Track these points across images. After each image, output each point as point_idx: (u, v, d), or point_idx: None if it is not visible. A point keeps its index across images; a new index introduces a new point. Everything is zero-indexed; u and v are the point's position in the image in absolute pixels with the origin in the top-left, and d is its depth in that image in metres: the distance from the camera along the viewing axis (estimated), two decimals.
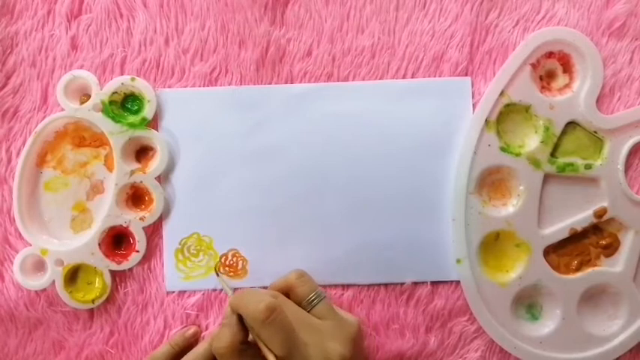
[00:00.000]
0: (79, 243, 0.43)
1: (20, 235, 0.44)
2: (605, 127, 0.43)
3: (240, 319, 0.37)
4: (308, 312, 0.38)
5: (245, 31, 0.44)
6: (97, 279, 0.44)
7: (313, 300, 0.39)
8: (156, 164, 0.44)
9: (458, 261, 0.43)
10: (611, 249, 0.44)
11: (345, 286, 0.44)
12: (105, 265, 0.43)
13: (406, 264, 0.44)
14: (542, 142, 0.43)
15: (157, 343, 0.44)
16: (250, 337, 0.37)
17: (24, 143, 0.44)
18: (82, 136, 0.44)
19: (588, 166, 0.43)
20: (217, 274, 0.43)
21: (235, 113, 0.44)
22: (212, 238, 0.44)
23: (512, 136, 0.44)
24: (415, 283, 0.44)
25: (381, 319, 0.44)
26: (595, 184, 0.44)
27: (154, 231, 0.44)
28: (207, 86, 0.44)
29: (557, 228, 0.43)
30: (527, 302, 0.44)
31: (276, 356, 0.35)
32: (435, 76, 0.44)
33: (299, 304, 0.39)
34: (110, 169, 0.44)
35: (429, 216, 0.44)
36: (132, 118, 0.44)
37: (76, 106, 0.43)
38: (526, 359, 0.43)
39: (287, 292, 0.40)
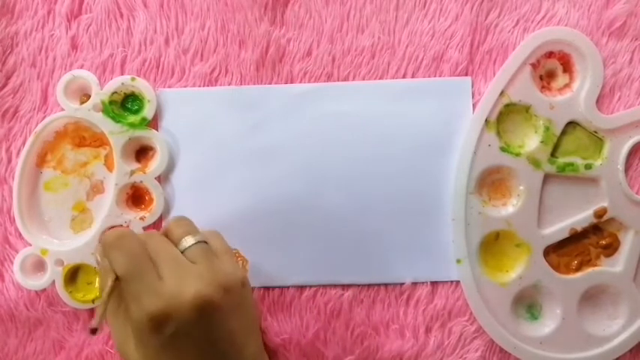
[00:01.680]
0: (79, 243, 0.43)
1: (20, 235, 0.44)
2: (605, 127, 0.43)
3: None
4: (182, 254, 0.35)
5: (245, 31, 0.44)
6: (97, 279, 0.44)
7: (188, 243, 0.35)
8: (156, 164, 0.44)
9: (458, 261, 0.43)
10: (611, 249, 0.44)
11: (345, 286, 0.44)
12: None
13: (406, 264, 0.44)
14: (542, 142, 0.43)
15: None
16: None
17: (24, 143, 0.44)
18: (82, 136, 0.44)
19: (588, 166, 0.43)
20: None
21: (235, 113, 0.44)
22: None
23: (512, 136, 0.44)
24: (415, 283, 0.44)
25: (381, 319, 0.44)
26: (595, 184, 0.44)
27: None
28: (207, 86, 0.44)
29: (557, 228, 0.43)
30: (527, 302, 0.44)
31: (116, 278, 0.33)
32: (435, 76, 0.44)
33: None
34: (110, 169, 0.44)
35: (429, 216, 0.44)
36: (132, 118, 0.44)
37: (76, 106, 0.43)
38: (526, 359, 0.43)
39: (165, 235, 0.37)
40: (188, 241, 0.35)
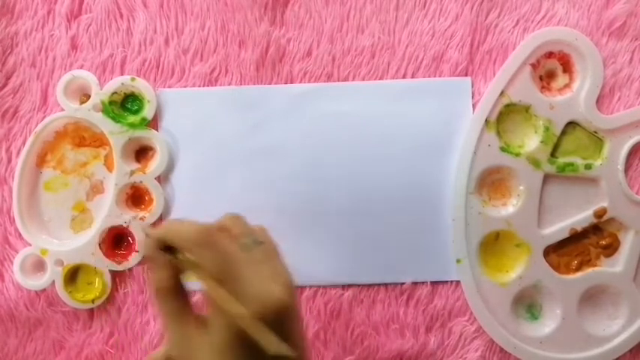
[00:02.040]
0: (79, 243, 0.43)
1: (20, 235, 0.44)
2: (605, 127, 0.43)
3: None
4: None
5: (245, 31, 0.44)
6: (97, 279, 0.44)
7: (249, 243, 0.34)
8: (156, 164, 0.44)
9: (458, 261, 0.43)
10: (611, 249, 0.44)
11: (345, 286, 0.44)
12: (105, 265, 0.43)
13: (406, 264, 0.44)
14: (542, 142, 0.43)
15: (156, 343, 0.44)
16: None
17: (24, 143, 0.44)
18: (82, 136, 0.44)
19: (588, 166, 0.43)
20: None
21: (235, 113, 0.44)
22: None
23: (512, 136, 0.44)
24: (415, 283, 0.44)
25: (381, 319, 0.44)
26: (595, 184, 0.44)
27: None
28: (207, 86, 0.44)
29: (557, 228, 0.43)
30: (527, 302, 0.44)
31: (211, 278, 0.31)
32: (435, 76, 0.44)
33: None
34: (110, 169, 0.44)
35: (429, 216, 0.44)
36: (132, 118, 0.44)
37: (76, 106, 0.43)
38: (526, 359, 0.43)
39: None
40: (250, 241, 0.35)
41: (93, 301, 0.44)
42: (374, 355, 0.44)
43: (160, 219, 0.44)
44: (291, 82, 0.44)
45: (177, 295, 0.33)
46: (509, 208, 0.44)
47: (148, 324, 0.44)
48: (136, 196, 0.45)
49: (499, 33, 0.44)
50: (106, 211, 0.43)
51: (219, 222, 0.36)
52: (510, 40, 0.44)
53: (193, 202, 0.44)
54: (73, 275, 0.44)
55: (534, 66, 0.43)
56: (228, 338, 0.31)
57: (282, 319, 0.32)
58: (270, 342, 0.30)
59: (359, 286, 0.44)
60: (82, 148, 0.44)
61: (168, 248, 0.33)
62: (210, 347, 0.31)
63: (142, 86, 0.43)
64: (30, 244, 0.44)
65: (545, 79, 0.44)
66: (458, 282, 0.44)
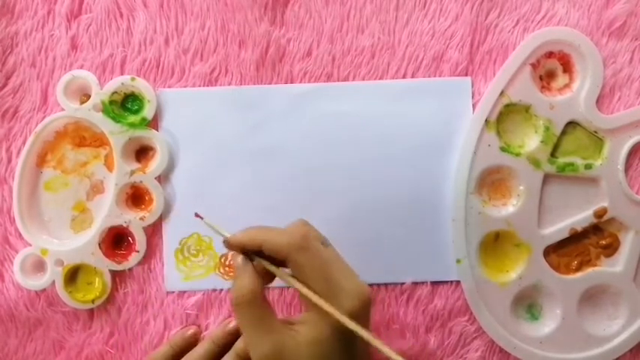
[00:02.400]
0: (79, 243, 0.43)
1: (20, 235, 0.44)
2: (605, 127, 0.43)
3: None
4: None
5: (245, 31, 0.44)
6: (97, 279, 0.44)
7: (325, 244, 0.36)
8: (156, 164, 0.44)
9: (458, 261, 0.43)
10: (611, 249, 0.44)
11: None
12: (105, 265, 0.43)
13: (406, 264, 0.44)
14: (542, 142, 0.43)
15: (156, 343, 0.44)
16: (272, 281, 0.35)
17: (24, 143, 0.44)
18: (82, 136, 0.44)
19: (588, 166, 0.43)
20: (201, 218, 0.37)
21: (235, 113, 0.44)
22: (212, 238, 0.44)
23: (512, 136, 0.44)
24: (415, 283, 0.44)
25: (381, 319, 0.44)
26: (595, 184, 0.44)
27: (154, 231, 0.44)
28: (207, 86, 0.44)
29: (557, 228, 0.43)
30: (527, 302, 0.44)
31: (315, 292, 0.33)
32: (435, 76, 0.44)
33: None
34: (110, 169, 0.44)
35: (429, 216, 0.44)
36: (132, 118, 0.44)
37: (76, 106, 0.43)
38: (526, 359, 0.43)
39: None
40: (324, 242, 0.36)
41: (93, 301, 0.44)
42: (374, 355, 0.44)
43: (160, 219, 0.44)
44: (291, 82, 0.44)
45: (263, 302, 0.34)
46: (509, 208, 0.44)
47: (148, 324, 0.44)
48: (136, 196, 0.45)
49: (499, 33, 0.44)
50: (106, 211, 0.43)
51: (294, 227, 0.36)
52: (510, 40, 0.44)
53: (193, 202, 0.44)
54: (73, 275, 0.44)
55: (534, 66, 0.43)
56: (327, 332, 0.33)
57: (369, 310, 0.35)
58: (369, 337, 0.32)
59: None
60: (82, 148, 0.44)
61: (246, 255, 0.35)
62: (307, 342, 0.33)
63: (142, 86, 0.43)
64: (30, 244, 0.44)
65: (545, 79, 0.44)
66: (458, 282, 0.44)
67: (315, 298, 0.33)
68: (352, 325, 0.32)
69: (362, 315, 0.33)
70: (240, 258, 0.35)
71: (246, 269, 0.34)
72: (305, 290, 0.33)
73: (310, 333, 0.33)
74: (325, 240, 0.36)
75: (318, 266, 0.33)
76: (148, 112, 0.43)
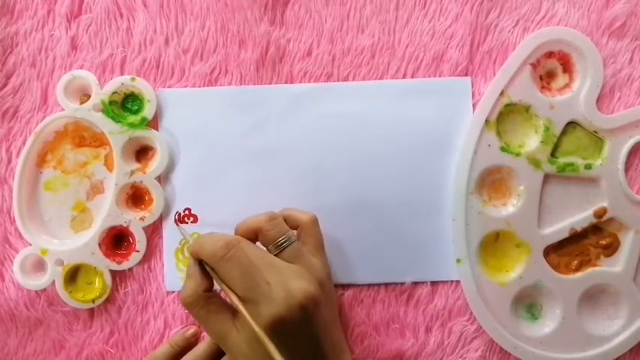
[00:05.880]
0: (79, 243, 0.43)
1: (20, 235, 0.44)
2: (605, 127, 0.43)
3: (203, 268, 0.37)
4: (276, 255, 0.37)
5: (245, 31, 0.44)
6: (97, 279, 0.44)
7: (283, 243, 0.38)
8: (156, 164, 0.44)
9: (458, 261, 0.43)
10: (611, 249, 0.44)
11: (345, 286, 0.44)
12: (105, 265, 0.43)
13: (406, 264, 0.44)
14: (542, 142, 0.43)
15: (157, 343, 0.44)
16: (215, 285, 0.38)
17: (24, 143, 0.44)
18: (82, 136, 0.44)
19: (588, 166, 0.43)
20: (177, 224, 0.43)
21: (235, 113, 0.44)
22: None
23: (512, 136, 0.44)
24: (415, 283, 0.44)
25: (381, 319, 0.44)
26: (595, 184, 0.44)
27: (154, 231, 0.44)
28: (207, 86, 0.44)
29: (557, 228, 0.43)
30: (527, 302, 0.44)
31: (237, 296, 0.35)
32: (435, 76, 0.44)
33: (267, 247, 0.38)
34: (110, 169, 0.44)
35: (429, 216, 0.44)
36: (132, 118, 0.44)
37: (76, 106, 0.43)
38: (526, 359, 0.43)
39: (255, 235, 0.38)
40: (282, 242, 0.38)
41: (93, 300, 0.44)
42: (374, 355, 0.44)
43: (160, 219, 0.44)
44: (291, 82, 0.44)
45: (206, 302, 0.37)
46: (509, 208, 0.44)
47: (148, 324, 0.44)
48: (136, 196, 0.45)
49: (499, 33, 0.44)
50: (106, 211, 0.43)
51: (255, 220, 0.38)
52: (510, 40, 0.44)
53: (193, 202, 0.44)
54: (73, 275, 0.44)
55: (534, 66, 0.43)
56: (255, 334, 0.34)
57: (310, 313, 0.35)
58: (274, 351, 0.33)
59: (359, 285, 0.44)
60: (82, 148, 0.44)
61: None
62: (240, 341, 0.35)
63: (142, 86, 0.43)
64: (30, 244, 0.44)
65: (545, 79, 0.44)
66: (458, 282, 0.44)
67: (236, 304, 0.35)
68: (261, 335, 0.33)
69: (297, 319, 0.35)
70: (191, 260, 0.38)
71: (192, 273, 0.37)
72: (231, 297, 0.35)
73: (246, 333, 0.36)
74: (289, 238, 0.38)
75: (238, 275, 0.35)
76: (147, 112, 0.43)
